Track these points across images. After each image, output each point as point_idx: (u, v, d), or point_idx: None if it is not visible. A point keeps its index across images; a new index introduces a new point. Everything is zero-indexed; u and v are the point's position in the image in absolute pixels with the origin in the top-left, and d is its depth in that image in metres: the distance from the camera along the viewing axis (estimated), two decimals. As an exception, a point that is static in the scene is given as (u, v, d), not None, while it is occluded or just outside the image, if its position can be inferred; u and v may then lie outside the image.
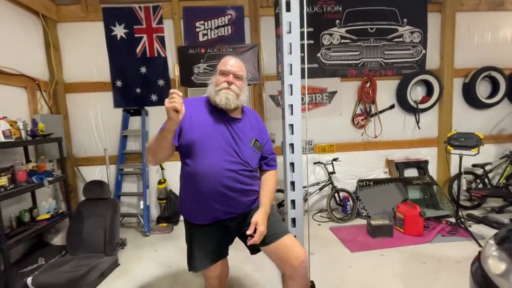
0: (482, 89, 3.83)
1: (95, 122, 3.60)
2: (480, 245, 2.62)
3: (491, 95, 3.86)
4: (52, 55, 3.30)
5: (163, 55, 3.58)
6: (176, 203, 3.50)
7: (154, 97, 3.65)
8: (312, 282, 1.92)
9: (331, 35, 3.72)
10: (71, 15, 3.41)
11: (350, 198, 3.54)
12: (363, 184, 3.74)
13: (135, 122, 3.66)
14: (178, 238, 3.15)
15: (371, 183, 3.74)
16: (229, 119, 1.33)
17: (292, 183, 1.91)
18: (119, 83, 3.57)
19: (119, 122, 3.58)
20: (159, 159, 1.24)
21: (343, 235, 3.03)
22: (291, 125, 1.90)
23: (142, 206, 3.39)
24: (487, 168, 3.74)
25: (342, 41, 3.75)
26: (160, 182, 3.59)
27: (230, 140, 1.28)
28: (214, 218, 1.31)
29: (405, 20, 3.76)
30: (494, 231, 1.57)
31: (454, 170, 3.73)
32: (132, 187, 3.72)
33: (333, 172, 3.64)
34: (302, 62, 1.88)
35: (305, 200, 3.46)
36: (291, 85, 1.90)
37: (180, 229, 3.44)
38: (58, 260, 2.48)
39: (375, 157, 3.93)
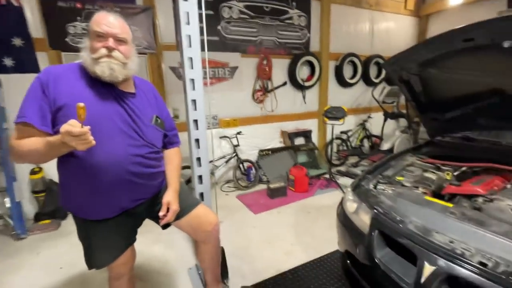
0: (347, 71, 4.83)
1: None
2: (344, 193, 3.50)
3: (352, 77, 4.93)
4: None
5: (15, 3, 2.65)
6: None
7: (8, 62, 2.72)
8: (221, 248, 2.10)
9: (230, 8, 3.71)
10: None
11: (253, 167, 3.92)
12: (263, 153, 4.18)
13: (-24, 95, 2.68)
14: (70, 233, 2.69)
15: (270, 152, 4.23)
16: (121, 94, 1.13)
17: (198, 159, 1.93)
18: None
19: None
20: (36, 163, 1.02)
21: (248, 201, 3.37)
22: (194, 101, 1.87)
23: (8, 204, 2.65)
24: (349, 134, 4.88)
25: (241, 16, 3.82)
26: (34, 172, 2.86)
27: (128, 120, 1.12)
28: (121, 209, 1.17)
29: (294, 3, 4.15)
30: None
31: (329, 137, 4.68)
32: (-14, 182, 2.81)
33: (238, 145, 3.88)
34: (202, 33, 1.82)
35: (213, 173, 3.59)
36: (191, 58, 1.82)
37: (70, 223, 2.92)
38: None
39: (272, 129, 4.41)
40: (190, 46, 1.79)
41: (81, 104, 0.87)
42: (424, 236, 1.11)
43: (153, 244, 2.41)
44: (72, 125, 0.86)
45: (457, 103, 1.76)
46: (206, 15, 2.07)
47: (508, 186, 1.43)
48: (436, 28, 5.38)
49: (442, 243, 1.06)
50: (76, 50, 2.93)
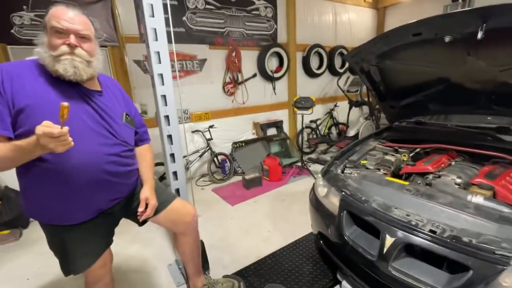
0: (314, 62, 4.99)
1: None
2: (315, 179, 3.69)
3: (319, 67, 5.11)
4: None
5: None
6: (19, 201, 2.69)
7: None
8: (201, 241, 2.12)
9: (195, -2, 3.61)
10: None
11: (227, 160, 3.94)
12: (237, 145, 4.21)
13: None
14: (34, 242, 2.51)
15: (243, 143, 4.28)
16: (87, 92, 1.08)
17: (172, 155, 1.91)
18: None
19: None
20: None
21: (224, 193, 3.41)
22: (164, 96, 1.83)
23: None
24: (318, 122, 5.09)
25: (207, 6, 3.73)
26: (-18, 180, 2.60)
27: (99, 119, 1.08)
28: (98, 210, 1.14)
29: (260, -6, 4.15)
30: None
31: (299, 126, 4.84)
32: None
33: (211, 139, 3.87)
34: (167, 25, 1.76)
35: (187, 169, 3.55)
36: (158, 53, 1.77)
37: (33, 231, 2.72)
38: None
39: (244, 121, 4.45)
40: (156, 39, 1.74)
41: (65, 104, 0.82)
42: (385, 212, 1.24)
43: (130, 245, 2.35)
44: (49, 126, 0.80)
45: (410, 91, 1.94)
46: (170, 5, 2.00)
47: (453, 163, 1.65)
48: (392, 20, 5.74)
49: (400, 217, 1.20)
50: (25, 43, 2.68)
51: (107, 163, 1.09)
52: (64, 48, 0.97)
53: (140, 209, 1.24)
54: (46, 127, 0.80)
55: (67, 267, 1.19)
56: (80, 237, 1.14)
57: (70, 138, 0.86)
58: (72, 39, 0.98)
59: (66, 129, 0.83)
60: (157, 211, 1.33)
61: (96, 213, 1.15)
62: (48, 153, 0.89)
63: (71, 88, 1.04)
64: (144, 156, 1.37)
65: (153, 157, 1.44)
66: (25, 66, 1.00)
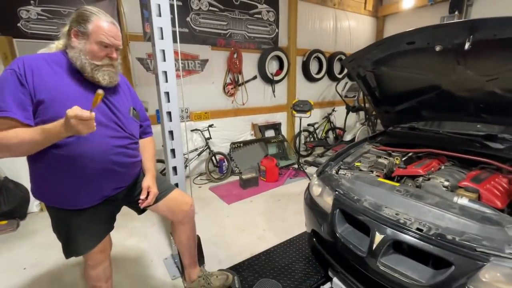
0: (313, 67, 5.07)
1: None
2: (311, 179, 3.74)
3: (318, 72, 5.19)
4: None
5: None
6: (18, 192, 2.72)
7: None
8: (197, 236, 2.16)
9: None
10: None
11: (225, 159, 3.99)
12: (235, 146, 4.27)
13: None
14: (31, 233, 2.53)
15: (241, 144, 4.33)
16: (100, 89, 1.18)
17: (173, 150, 1.97)
18: None
19: None
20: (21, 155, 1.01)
21: (221, 192, 3.45)
22: (167, 93, 1.89)
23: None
24: (316, 126, 5.17)
25: (210, 8, 3.80)
26: (-18, 170, 2.63)
27: (109, 113, 1.16)
28: (103, 197, 1.21)
29: (262, -2, 4.24)
30: (317, 168, 2.33)
31: (297, 129, 4.91)
32: None
33: (210, 138, 3.92)
34: (172, 25, 1.83)
35: (186, 166, 3.59)
36: (163, 51, 1.83)
37: (31, 223, 2.74)
38: None
39: (243, 122, 4.51)
40: (162, 38, 1.79)
41: (101, 91, 0.92)
42: (375, 211, 1.30)
43: (127, 239, 2.39)
44: (81, 110, 0.90)
45: (404, 97, 2.02)
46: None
47: (442, 167, 1.72)
48: (391, 28, 5.86)
49: (390, 215, 1.26)
50: (31, 37, 2.72)
51: (115, 154, 1.16)
52: (107, 61, 1.12)
53: (142, 196, 1.30)
54: (74, 111, 0.89)
55: (70, 249, 1.25)
56: (85, 221, 1.21)
57: (94, 123, 0.95)
58: (115, 54, 1.13)
59: (93, 114, 0.93)
60: (157, 200, 1.39)
61: (101, 200, 1.21)
62: (71, 136, 0.98)
63: (87, 84, 1.12)
64: (147, 147, 1.44)
65: (155, 149, 1.51)
66: (42, 60, 1.07)
